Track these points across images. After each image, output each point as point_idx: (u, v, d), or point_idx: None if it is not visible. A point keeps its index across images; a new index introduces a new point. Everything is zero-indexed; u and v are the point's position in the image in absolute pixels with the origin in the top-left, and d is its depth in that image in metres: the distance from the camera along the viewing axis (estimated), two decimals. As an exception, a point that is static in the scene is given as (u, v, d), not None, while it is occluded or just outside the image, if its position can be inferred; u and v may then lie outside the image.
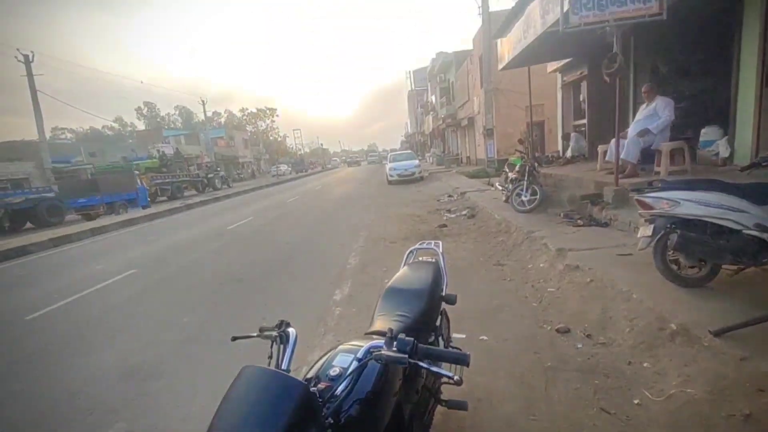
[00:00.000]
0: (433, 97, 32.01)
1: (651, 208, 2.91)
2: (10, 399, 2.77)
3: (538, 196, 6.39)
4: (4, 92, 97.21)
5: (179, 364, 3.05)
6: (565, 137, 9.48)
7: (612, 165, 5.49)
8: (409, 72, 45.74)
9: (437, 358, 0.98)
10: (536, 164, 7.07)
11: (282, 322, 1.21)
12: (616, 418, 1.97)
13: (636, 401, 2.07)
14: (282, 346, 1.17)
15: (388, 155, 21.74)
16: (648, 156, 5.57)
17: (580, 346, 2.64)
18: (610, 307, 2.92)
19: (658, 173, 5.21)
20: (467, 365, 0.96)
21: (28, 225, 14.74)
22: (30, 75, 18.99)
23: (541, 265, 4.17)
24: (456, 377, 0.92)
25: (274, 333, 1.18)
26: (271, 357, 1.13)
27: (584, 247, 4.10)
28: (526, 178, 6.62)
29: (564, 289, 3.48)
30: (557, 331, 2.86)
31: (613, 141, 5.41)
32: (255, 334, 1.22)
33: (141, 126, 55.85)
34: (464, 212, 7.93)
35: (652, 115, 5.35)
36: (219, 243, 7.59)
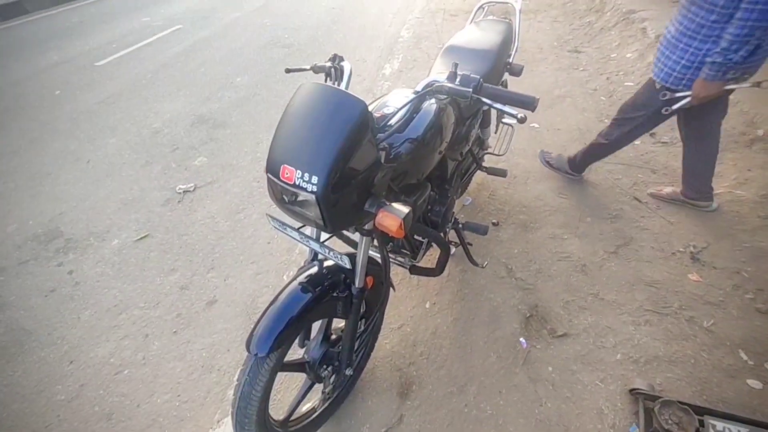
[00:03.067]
0: None
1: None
2: (107, 131, 3.26)
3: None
4: None
5: (241, 117, 3.31)
6: None
7: None
8: None
9: (502, 99, 0.91)
10: None
11: (335, 55, 1.13)
12: (645, 207, 2.05)
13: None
14: (336, 81, 1.14)
15: None
16: None
17: (638, 142, 2.49)
18: (692, 108, 2.56)
19: None
20: (533, 110, 0.89)
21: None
22: None
23: (628, 55, 3.49)
24: (520, 115, 0.87)
25: (329, 65, 1.12)
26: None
27: (696, 35, 3.26)
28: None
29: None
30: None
31: None
32: (308, 67, 1.18)
33: None
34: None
35: None
36: (259, 2, 6.78)
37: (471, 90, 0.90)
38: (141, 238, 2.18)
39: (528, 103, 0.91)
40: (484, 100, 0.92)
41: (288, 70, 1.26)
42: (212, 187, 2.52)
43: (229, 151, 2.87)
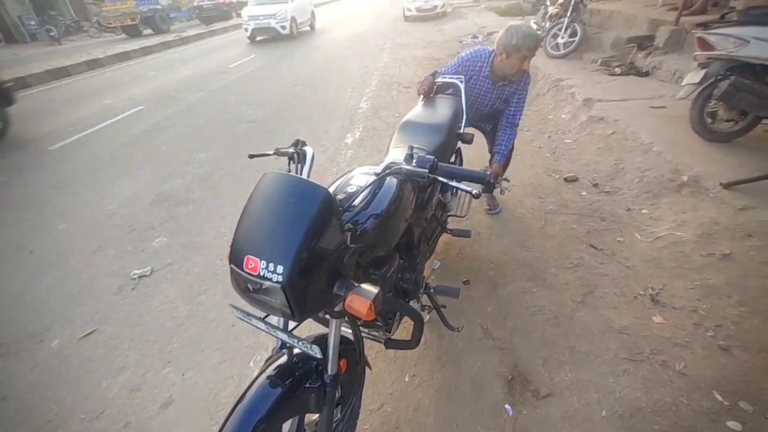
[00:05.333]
0: None
1: (712, 48, 2.52)
2: (56, 217, 3.10)
3: (577, 38, 5.54)
4: None
5: (204, 192, 3.28)
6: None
7: (678, -2, 4.52)
8: None
9: (456, 176, 0.98)
10: (586, -4, 5.86)
11: (298, 140, 1.19)
12: (602, 253, 2.18)
13: (622, 239, 2.25)
14: (299, 165, 1.18)
15: None
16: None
17: (584, 193, 2.72)
18: (625, 159, 2.88)
19: (733, 8, 4.32)
20: (485, 184, 0.97)
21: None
22: None
23: (563, 116, 3.94)
24: (475, 191, 0.94)
25: (291, 150, 1.17)
26: (289, 173, 1.15)
27: (615, 98, 3.77)
28: (569, 14, 5.60)
29: (581, 141, 3.37)
30: (565, 180, 2.90)
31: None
32: (271, 152, 1.22)
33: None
34: (488, 56, 7.07)
35: None
36: (224, 82, 7.14)
37: (427, 170, 0.96)
38: (87, 335, 1.98)
39: (480, 179, 0.98)
40: (440, 179, 0.99)
41: (251, 156, 1.30)
42: (171, 269, 2.40)
43: (191, 229, 2.79)
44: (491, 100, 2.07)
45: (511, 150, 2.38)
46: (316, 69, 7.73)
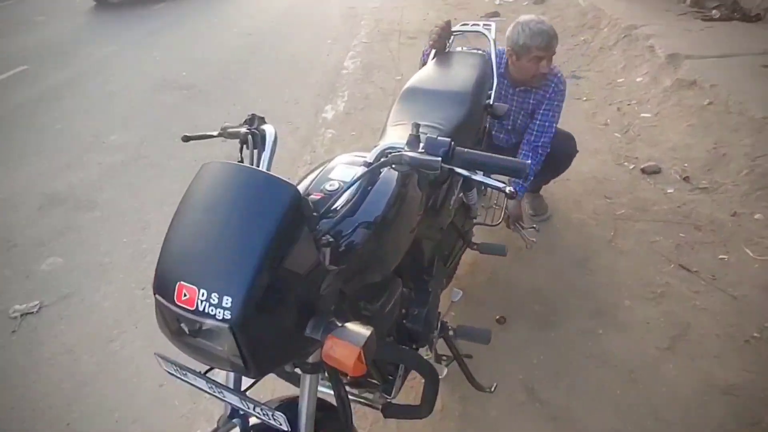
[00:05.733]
0: None
1: None
2: None
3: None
4: None
5: (116, 192, 3.29)
6: None
7: None
8: None
9: (483, 166, 0.99)
10: None
11: (254, 116, 1.19)
12: (697, 277, 2.19)
13: (726, 257, 2.27)
14: (256, 152, 1.18)
15: None
16: None
17: (670, 190, 2.74)
18: (728, 141, 2.91)
19: None
20: (524, 177, 0.97)
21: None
22: None
23: (639, 79, 3.99)
24: (508, 189, 0.94)
25: (244, 130, 1.17)
26: (241, 161, 1.15)
27: (714, 53, 3.82)
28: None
29: (665, 115, 3.42)
30: (643, 171, 2.92)
31: None
32: (215, 133, 1.22)
33: None
34: (530, -7, 7.17)
35: None
36: (146, 28, 7.18)
37: (440, 159, 0.96)
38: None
39: (519, 170, 0.99)
40: (459, 171, 0.99)
41: (186, 138, 1.29)
42: (70, 303, 2.40)
43: (98, 245, 2.79)
44: (512, 112, 2.17)
45: (539, 183, 2.46)
46: (280, 10, 7.79)
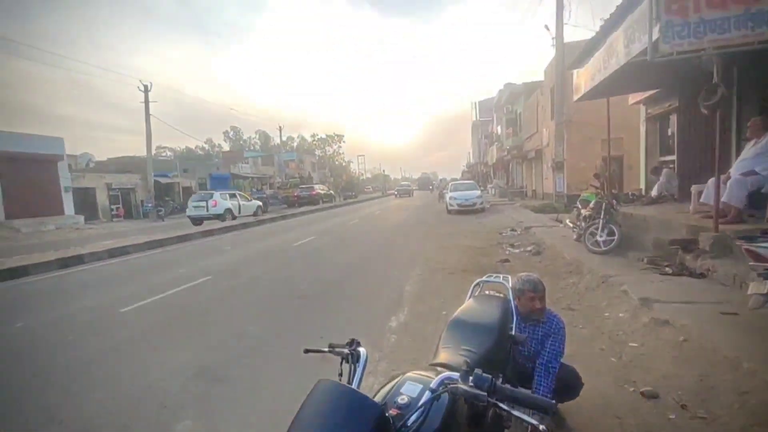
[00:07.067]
0: (499, 128, 31.49)
1: (765, 260, 2.49)
2: (97, 386, 3.10)
3: (615, 237, 5.82)
4: (123, 115, 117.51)
5: (242, 371, 3.20)
6: (654, 172, 8.59)
7: (708, 207, 4.85)
8: (474, 103, 45.97)
9: (518, 402, 0.90)
10: (614, 201, 6.49)
11: (353, 340, 1.22)
12: None
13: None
14: (353, 366, 1.17)
15: (449, 184, 21.57)
16: (756, 200, 4.81)
17: (672, 416, 2.27)
18: (711, 374, 2.49)
19: (772, 220, 4.47)
20: (552, 414, 0.87)
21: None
22: (146, 102, 22.47)
23: (621, 315, 3.73)
24: (542, 427, 0.84)
25: (346, 350, 1.18)
26: (341, 375, 1.13)
27: (675, 299, 3.60)
28: (602, 216, 6.10)
29: (651, 346, 3.05)
30: (642, 394, 2.49)
31: (711, 180, 4.78)
32: (326, 350, 1.24)
33: (226, 147, 62.48)
34: (529, 248, 7.49)
35: (761, 153, 4.67)
36: (284, 259, 8.03)
37: (486, 394, 0.91)
38: None
39: (546, 408, 0.89)
40: (502, 405, 0.92)
41: (307, 351, 1.32)
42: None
43: (221, 412, 2.59)
44: (527, 340, 2.11)
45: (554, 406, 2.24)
46: (368, 251, 8.54)
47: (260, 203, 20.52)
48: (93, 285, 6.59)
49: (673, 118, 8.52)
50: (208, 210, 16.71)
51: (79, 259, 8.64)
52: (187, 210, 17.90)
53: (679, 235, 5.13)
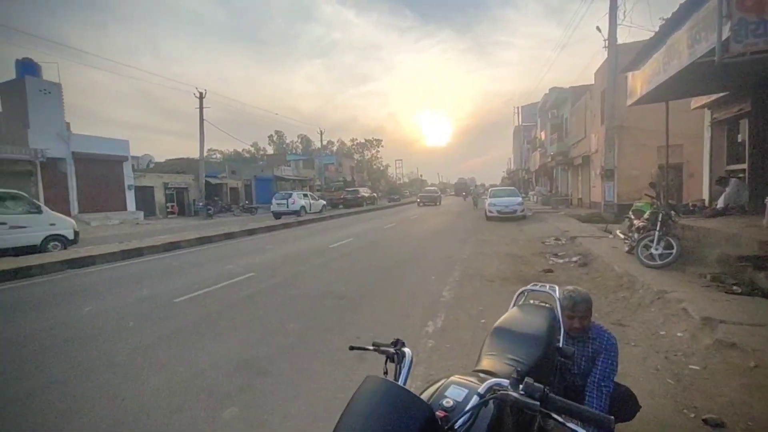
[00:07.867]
0: (543, 134, 30.33)
1: None
2: (153, 371, 3.34)
3: (674, 251, 5.39)
4: (178, 119, 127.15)
5: (284, 365, 3.32)
6: (720, 182, 7.84)
7: (788, 222, 4.35)
8: (517, 108, 44.60)
9: (572, 414, 0.87)
10: (672, 212, 6.01)
11: (398, 340, 1.23)
12: None
13: None
14: (398, 366, 1.18)
15: (489, 190, 21.02)
16: None
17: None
18: (789, 407, 2.23)
19: None
20: (610, 431, 0.83)
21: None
22: (201, 108, 24.08)
23: (679, 334, 3.44)
24: (603, 446, 0.80)
25: (391, 350, 1.20)
26: (386, 373, 1.14)
27: (744, 321, 3.27)
28: (657, 228, 5.67)
29: (714, 370, 2.79)
30: (705, 422, 2.28)
31: (790, 192, 4.30)
32: (371, 347, 1.26)
33: (270, 150, 65.25)
34: (575, 259, 7.12)
35: None
36: (322, 259, 8.23)
37: (539, 404, 0.88)
38: None
39: (603, 423, 0.85)
40: (554, 416, 0.89)
41: (352, 348, 1.35)
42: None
43: (264, 404, 2.71)
44: (576, 357, 2.00)
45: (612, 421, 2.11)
46: (405, 255, 8.53)
47: (324, 202, 24.02)
48: (150, 276, 7.14)
49: (744, 124, 7.76)
50: (288, 207, 19.31)
51: (138, 252, 9.42)
52: (270, 206, 20.85)
53: (750, 251, 4.66)
